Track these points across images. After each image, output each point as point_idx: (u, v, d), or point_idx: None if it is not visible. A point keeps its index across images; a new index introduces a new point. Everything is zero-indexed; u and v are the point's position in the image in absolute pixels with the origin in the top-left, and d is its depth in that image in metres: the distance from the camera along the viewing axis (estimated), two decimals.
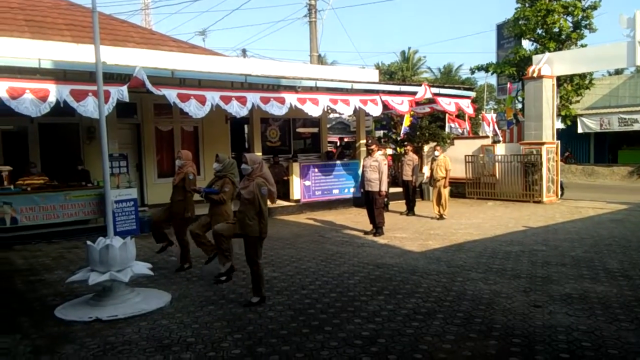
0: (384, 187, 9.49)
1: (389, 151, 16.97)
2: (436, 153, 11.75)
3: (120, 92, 8.81)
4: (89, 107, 8.53)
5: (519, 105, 19.98)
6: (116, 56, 10.29)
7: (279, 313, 5.21)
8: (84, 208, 9.82)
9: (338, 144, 24.27)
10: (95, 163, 11.08)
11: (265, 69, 12.48)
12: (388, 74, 37.92)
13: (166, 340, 4.54)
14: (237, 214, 5.67)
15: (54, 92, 8.26)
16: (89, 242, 5.49)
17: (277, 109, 10.67)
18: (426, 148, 16.40)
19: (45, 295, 5.98)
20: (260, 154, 12.67)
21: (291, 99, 10.98)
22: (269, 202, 5.57)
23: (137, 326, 4.89)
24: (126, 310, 5.24)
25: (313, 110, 11.27)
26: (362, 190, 10.00)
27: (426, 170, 15.21)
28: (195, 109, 9.59)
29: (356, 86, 12.18)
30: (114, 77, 9.45)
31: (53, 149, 11.54)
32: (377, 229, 9.54)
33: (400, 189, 13.26)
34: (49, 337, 4.65)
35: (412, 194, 12.38)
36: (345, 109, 11.90)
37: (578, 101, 21.12)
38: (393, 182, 14.68)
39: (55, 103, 8.33)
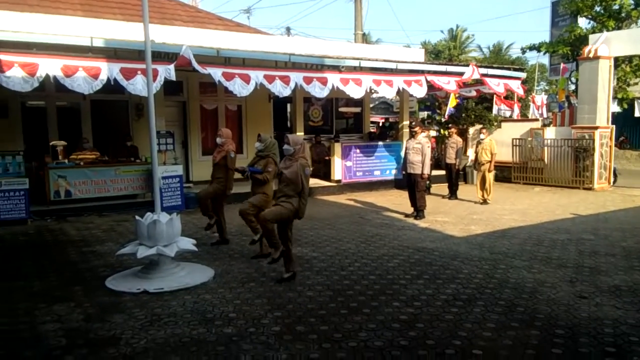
0: (427, 170, 9.35)
1: (433, 133, 16.68)
2: (482, 136, 11.45)
3: (167, 71, 9.00)
4: (137, 86, 8.77)
5: (572, 87, 19.10)
6: (164, 34, 10.48)
7: (318, 293, 5.27)
8: (132, 183, 10.19)
9: (380, 124, 24.00)
10: (143, 139, 11.41)
11: (309, 47, 12.42)
12: (434, 53, 37.04)
13: (209, 314, 4.69)
14: (276, 193, 5.74)
15: (106, 70, 8.52)
16: (137, 217, 5.70)
17: (319, 90, 10.65)
18: (471, 130, 16.01)
19: (97, 266, 6.28)
20: (302, 133, 12.72)
21: (334, 79, 10.90)
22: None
23: (182, 299, 5.07)
24: (172, 283, 5.44)
25: (355, 92, 11.17)
26: (404, 172, 9.89)
27: (470, 154, 14.88)
28: (239, 88, 9.69)
29: (401, 66, 11.96)
30: (162, 55, 9.63)
31: (104, 125, 11.97)
32: (418, 212, 9.45)
33: (442, 172, 13.04)
34: (100, 306, 4.90)
35: (455, 177, 12.16)
36: (387, 91, 11.74)
37: (637, 83, 19.96)
38: (436, 164, 14.44)
39: (107, 81, 8.59)
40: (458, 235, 8.01)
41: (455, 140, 12.20)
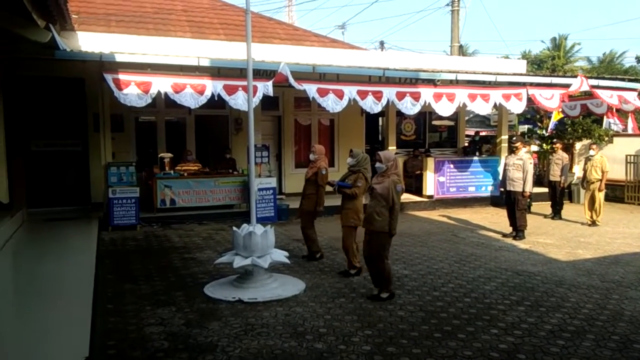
0: (529, 188, 8.81)
1: (534, 148, 15.72)
2: (591, 152, 10.59)
3: (266, 87, 9.37)
4: (238, 100, 9.23)
5: None
6: (263, 52, 10.94)
7: (410, 313, 5.13)
8: (230, 194, 10.67)
9: (474, 137, 23.06)
10: (240, 152, 11.94)
11: (403, 61, 12.30)
12: (536, 63, 35.04)
13: (300, 327, 4.74)
14: (366, 209, 5.70)
15: (210, 86, 9.06)
16: (234, 228, 5.94)
17: (410, 107, 10.52)
18: (578, 145, 14.87)
19: (197, 273, 6.62)
20: (394, 147, 12.60)
21: (427, 95, 10.69)
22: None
23: (274, 311, 5.18)
24: (265, 294, 5.58)
25: (445, 110, 10.91)
26: (502, 189, 9.40)
27: (577, 171, 13.84)
28: (332, 104, 9.82)
29: (500, 78, 11.43)
30: (260, 72, 10.04)
31: (206, 138, 12.71)
32: (518, 232, 8.91)
33: (545, 190, 12.21)
34: (199, 312, 5.14)
35: (559, 195, 11.32)
36: (482, 107, 11.25)
37: None
38: (538, 182, 13.58)
39: (211, 96, 9.14)
40: (563, 259, 7.42)
41: (561, 156, 11.39)
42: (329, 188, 6.95)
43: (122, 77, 8.50)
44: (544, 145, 15.47)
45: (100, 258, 7.13)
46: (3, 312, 4.65)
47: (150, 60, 8.87)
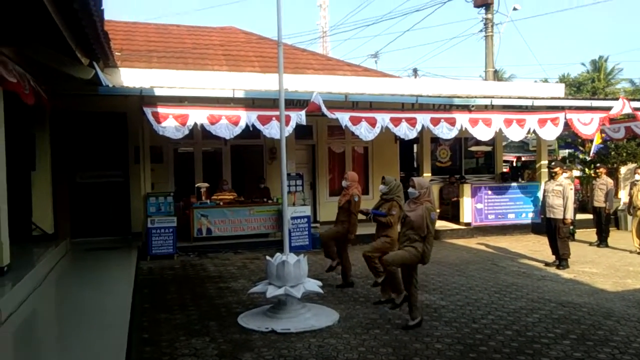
0: (570, 215, 8.50)
1: (576, 173, 15.22)
2: (637, 177, 10.16)
3: (299, 116, 9.51)
4: (272, 130, 9.39)
5: None
6: (297, 83, 11.15)
7: (447, 346, 4.96)
8: (264, 222, 10.74)
9: (514, 163, 22.58)
10: (275, 181, 12.05)
11: (437, 88, 12.26)
12: (575, 86, 34.29)
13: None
14: (400, 237, 5.62)
15: (244, 117, 9.27)
16: (268, 257, 5.94)
17: (446, 132, 10.42)
18: (623, 170, 14.31)
19: (231, 302, 6.63)
20: (429, 174, 12.45)
21: (462, 120, 10.58)
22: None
23: (307, 342, 5.10)
24: (298, 325, 5.52)
25: (483, 134, 10.74)
26: (542, 216, 9.09)
27: (623, 196, 13.28)
28: (365, 132, 9.85)
29: (537, 102, 11.21)
30: (294, 102, 10.22)
31: (241, 168, 12.92)
32: (561, 260, 8.57)
33: (589, 216, 11.75)
34: (232, 342, 5.12)
35: (604, 222, 10.86)
36: (517, 133, 11.02)
37: None
38: (581, 207, 13.09)
39: (245, 127, 9.33)
40: (610, 290, 7.06)
41: (605, 181, 10.98)
42: (361, 216, 6.90)
43: (161, 110, 8.81)
44: (587, 170, 14.96)
45: (137, 287, 7.25)
46: (42, 340, 4.76)
47: (187, 94, 9.18)
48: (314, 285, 5.94)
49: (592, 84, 34.48)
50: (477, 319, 5.82)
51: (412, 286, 5.56)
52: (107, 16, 6.46)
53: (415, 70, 29.26)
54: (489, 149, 15.39)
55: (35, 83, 7.11)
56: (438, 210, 13.70)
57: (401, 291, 5.71)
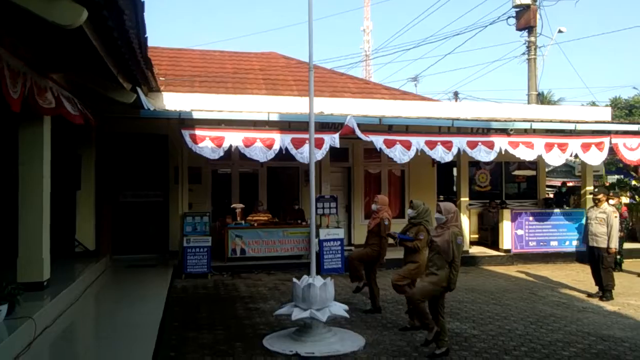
0: (614, 244, 8.10)
1: (625, 200, 14.51)
2: None
3: (332, 139, 9.58)
4: (305, 154, 9.46)
5: None
6: (334, 106, 11.27)
7: None
8: (298, 244, 10.78)
9: (559, 189, 21.74)
10: (309, 203, 12.08)
11: (475, 111, 12.09)
12: (627, 109, 32.94)
13: None
14: (427, 262, 5.53)
15: (279, 140, 9.42)
16: (294, 279, 5.96)
17: (484, 155, 10.21)
18: None
19: (258, 324, 6.65)
20: (466, 199, 12.19)
21: (501, 142, 10.37)
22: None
23: None
24: (322, 348, 5.47)
25: (526, 155, 10.45)
26: (585, 244, 8.72)
27: None
28: (400, 154, 9.79)
29: (580, 126, 10.85)
30: (329, 125, 10.31)
31: (276, 189, 13.07)
32: (605, 292, 8.14)
33: (637, 245, 11.15)
34: None
35: None
36: (557, 158, 10.66)
37: None
38: (631, 236, 12.46)
39: (279, 150, 9.46)
40: None
41: None
42: (392, 241, 6.82)
43: (198, 132, 9.10)
44: (637, 197, 14.26)
45: (169, 305, 7.40)
46: (69, 353, 4.91)
47: (224, 117, 9.43)
48: (340, 309, 5.89)
49: None
50: (509, 350, 5.60)
51: (439, 315, 5.43)
52: (156, 43, 6.79)
53: (456, 94, 28.96)
54: (532, 173, 14.95)
55: (82, 105, 7.50)
56: (475, 236, 13.37)
57: (432, 327, 5.49)
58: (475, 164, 13.90)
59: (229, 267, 10.40)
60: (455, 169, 15.23)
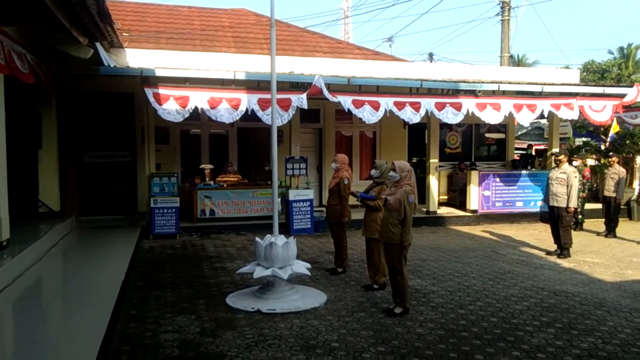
0: (573, 203, 8.34)
1: (590, 162, 14.87)
2: None
3: (300, 100, 9.45)
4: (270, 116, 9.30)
5: None
6: (305, 65, 11.06)
7: (429, 331, 4.95)
8: (267, 205, 10.77)
9: (527, 151, 22.12)
10: (281, 164, 11.99)
11: (446, 72, 12.05)
12: (599, 73, 33.31)
13: (312, 340, 4.68)
14: (381, 221, 5.62)
15: (245, 101, 9.25)
16: (257, 239, 5.98)
17: (452, 116, 10.26)
18: (639, 159, 13.92)
19: (223, 282, 6.71)
20: (436, 160, 12.31)
21: (469, 104, 10.40)
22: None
23: (290, 322, 5.15)
24: (283, 305, 5.57)
25: (492, 117, 10.53)
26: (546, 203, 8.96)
27: (637, 186, 12.95)
28: (368, 115, 9.76)
29: (547, 88, 10.95)
30: (299, 85, 10.16)
31: (247, 150, 12.96)
32: (562, 249, 8.43)
33: (599, 206, 11.51)
34: (216, 321, 5.19)
35: (614, 212, 10.61)
36: (527, 117, 10.76)
37: None
38: (592, 197, 12.84)
39: (245, 111, 9.30)
40: (608, 280, 6.94)
41: (617, 170, 10.71)
42: (353, 200, 6.87)
43: (162, 91, 8.85)
44: (602, 159, 14.60)
45: (134, 265, 7.40)
46: (27, 312, 4.89)
47: (189, 75, 9.17)
48: (301, 267, 5.97)
49: (617, 71, 33.42)
50: (464, 305, 5.79)
51: (401, 274, 5.49)
52: None
53: (430, 55, 28.83)
54: (501, 136, 15.14)
55: (36, 62, 7.20)
56: (445, 197, 13.56)
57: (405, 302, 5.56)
58: (447, 126, 13.98)
59: (199, 228, 10.39)
60: (427, 132, 15.31)
